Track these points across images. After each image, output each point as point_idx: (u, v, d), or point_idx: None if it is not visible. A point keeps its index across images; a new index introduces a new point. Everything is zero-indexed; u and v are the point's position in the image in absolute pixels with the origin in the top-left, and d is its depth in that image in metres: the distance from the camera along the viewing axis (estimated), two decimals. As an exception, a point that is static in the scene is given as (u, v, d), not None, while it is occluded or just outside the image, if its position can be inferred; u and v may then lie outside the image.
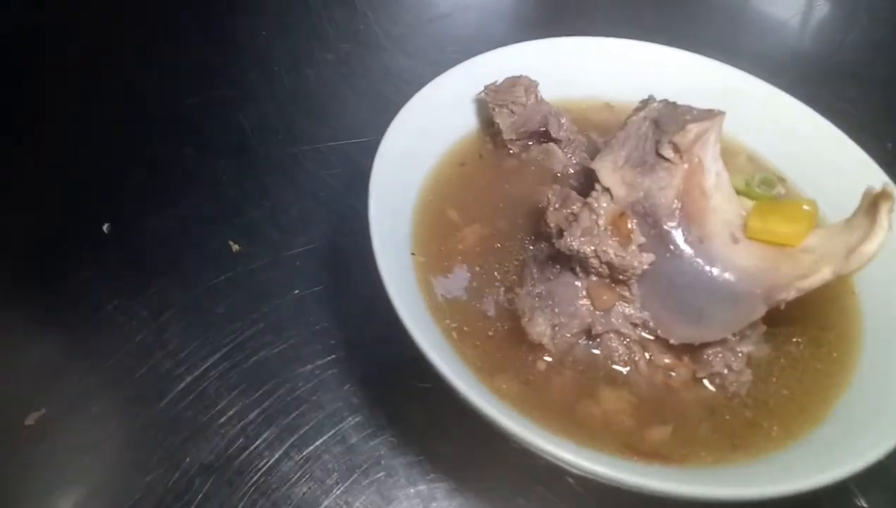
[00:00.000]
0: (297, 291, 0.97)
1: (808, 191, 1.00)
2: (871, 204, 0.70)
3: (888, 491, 0.86)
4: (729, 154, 1.04)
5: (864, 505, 0.85)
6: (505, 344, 0.81)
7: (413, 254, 0.86)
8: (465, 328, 0.81)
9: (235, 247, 1.01)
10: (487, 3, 1.53)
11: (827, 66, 1.50)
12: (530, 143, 1.01)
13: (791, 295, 0.73)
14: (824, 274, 0.71)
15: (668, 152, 0.79)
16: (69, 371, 0.88)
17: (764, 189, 0.88)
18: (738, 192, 0.85)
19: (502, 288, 0.86)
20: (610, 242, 0.78)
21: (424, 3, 1.49)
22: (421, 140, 0.95)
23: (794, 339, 0.84)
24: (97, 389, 0.87)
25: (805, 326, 0.85)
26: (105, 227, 1.03)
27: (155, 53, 1.32)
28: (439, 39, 1.41)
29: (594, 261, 0.79)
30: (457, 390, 0.68)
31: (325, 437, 0.86)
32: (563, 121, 0.96)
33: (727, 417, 0.77)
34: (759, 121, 1.05)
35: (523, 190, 0.97)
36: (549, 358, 0.80)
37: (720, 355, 0.79)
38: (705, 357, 0.80)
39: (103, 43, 1.33)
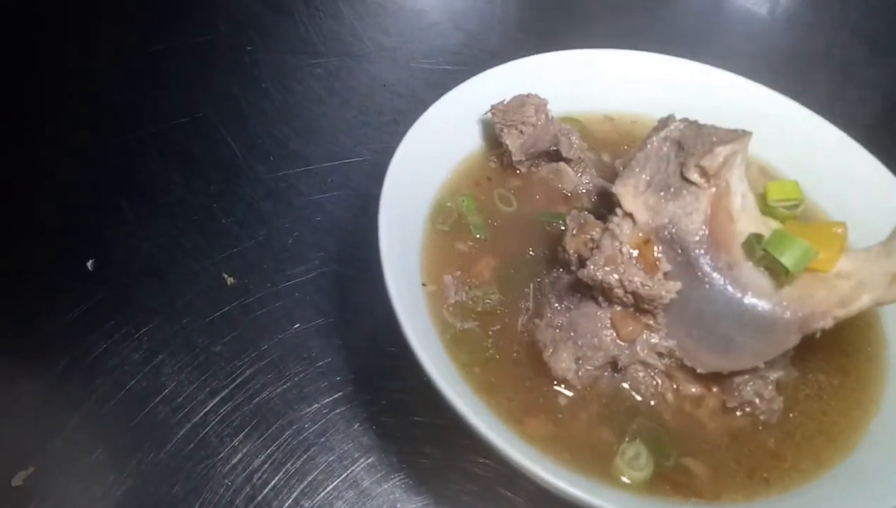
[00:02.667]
0: (297, 325, 0.92)
1: (823, 204, 0.98)
2: (911, 229, 0.67)
3: None
4: (742, 166, 1.02)
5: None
6: (527, 379, 0.77)
7: (424, 284, 0.82)
8: (482, 364, 0.77)
9: (230, 280, 0.96)
10: (478, 10, 1.49)
11: (822, 67, 1.49)
12: (539, 163, 0.97)
13: (829, 323, 0.70)
14: (863, 302, 0.69)
15: (694, 176, 0.75)
16: (58, 423, 0.82)
17: (788, 208, 0.85)
18: (763, 213, 0.82)
19: (519, 319, 0.82)
20: (635, 271, 0.74)
21: (414, 12, 1.44)
22: (427, 165, 0.90)
23: (821, 368, 0.81)
24: (89, 442, 0.81)
25: (830, 352, 0.82)
26: (89, 264, 0.96)
27: (136, 73, 1.25)
28: (431, 49, 1.36)
29: (619, 291, 0.75)
30: (488, 441, 0.63)
31: (336, 482, 0.81)
32: (573, 139, 0.92)
33: (758, 449, 0.75)
34: (768, 131, 1.02)
35: (534, 212, 0.93)
36: (570, 393, 0.77)
37: (750, 383, 0.76)
38: (735, 385, 0.77)
39: (81, 62, 1.25)
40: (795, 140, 1.01)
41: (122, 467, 0.79)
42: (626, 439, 0.73)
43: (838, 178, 0.97)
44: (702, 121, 0.80)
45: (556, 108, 1.01)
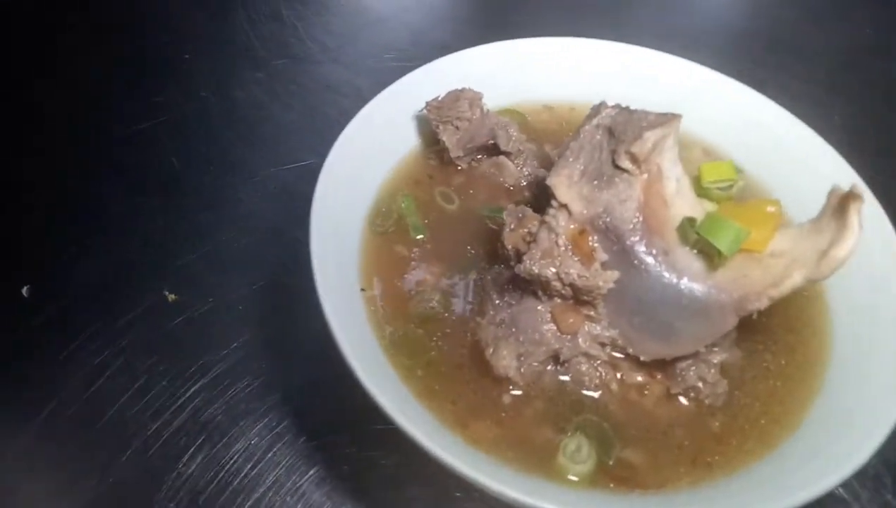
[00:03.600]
0: (242, 338, 0.90)
1: (767, 183, 0.97)
2: (840, 205, 0.66)
3: (866, 479, 0.85)
4: (684, 148, 1.00)
5: (844, 496, 0.84)
6: (471, 381, 0.76)
7: (363, 289, 0.80)
8: (424, 367, 0.76)
9: (171, 297, 0.93)
10: (424, 5, 1.47)
11: (767, 41, 1.48)
12: (479, 157, 0.95)
13: (763, 303, 0.69)
14: (795, 281, 0.68)
15: (625, 163, 0.74)
16: (-7, 456, 0.80)
17: (722, 189, 0.84)
18: (698, 194, 0.81)
19: (462, 320, 0.81)
20: (572, 262, 0.73)
21: (358, 9, 1.42)
22: (364, 166, 0.89)
23: (767, 347, 0.81)
24: (28, 472, 0.79)
25: (777, 331, 0.82)
26: (24, 290, 0.94)
27: (71, 88, 1.21)
28: (376, 47, 1.34)
29: (556, 284, 0.74)
30: (423, 447, 0.62)
31: (284, 497, 0.80)
32: (511, 132, 0.91)
33: (702, 434, 0.74)
34: (712, 112, 1.02)
35: (476, 209, 0.91)
36: (516, 391, 0.75)
37: (693, 368, 0.76)
38: (678, 371, 0.76)
39: (10, 79, 1.22)
40: (738, 119, 1.01)
41: (63, 497, 0.78)
42: (568, 433, 0.72)
43: (781, 155, 0.96)
44: (644, 105, 0.79)
45: (496, 101, 1.00)
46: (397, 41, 1.35)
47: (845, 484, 0.84)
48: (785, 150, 0.96)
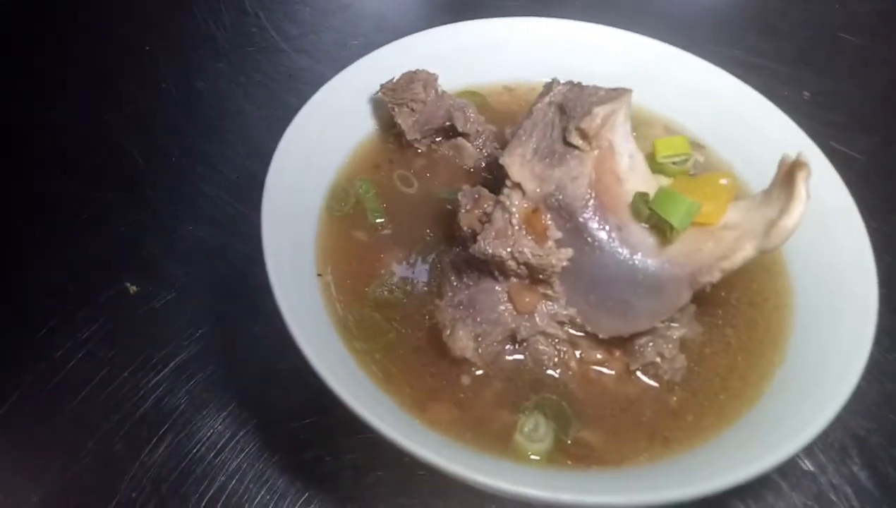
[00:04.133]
0: (203, 328, 0.90)
1: (728, 157, 0.97)
2: (787, 174, 0.66)
3: (833, 451, 0.85)
4: (645, 125, 1.01)
5: (811, 468, 0.84)
6: (429, 363, 0.76)
7: (320, 274, 0.80)
8: (383, 351, 0.76)
9: (133, 289, 0.93)
10: (387, -10, 1.46)
11: (740, 19, 1.48)
12: (438, 139, 0.95)
13: (715, 276, 0.69)
14: (746, 252, 0.68)
15: (575, 140, 0.74)
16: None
17: (678, 164, 0.84)
18: (654, 170, 0.81)
19: (420, 302, 0.80)
20: (525, 241, 0.73)
21: (321, -3, 1.40)
22: (320, 150, 0.88)
23: (728, 322, 0.81)
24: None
25: (738, 306, 0.82)
26: (-17, 288, 0.93)
27: (29, 83, 1.20)
28: (340, 34, 1.33)
29: (511, 263, 0.74)
30: (379, 431, 0.62)
31: (248, 484, 0.79)
32: (468, 113, 0.91)
33: (660, 409, 0.74)
34: (674, 89, 1.02)
35: (435, 190, 0.91)
36: (477, 372, 0.75)
37: (651, 344, 0.76)
38: (637, 348, 0.76)
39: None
40: (699, 94, 1.00)
41: (23, 491, 0.77)
42: (526, 412, 0.72)
43: (741, 129, 0.97)
44: (605, 82, 0.79)
45: (456, 82, 1.00)
46: (361, 28, 1.34)
47: (811, 457, 0.85)
48: (745, 124, 0.96)
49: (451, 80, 0.97)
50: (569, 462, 0.69)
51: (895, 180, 1.16)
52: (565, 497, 0.60)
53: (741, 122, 0.97)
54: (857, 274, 0.78)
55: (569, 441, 0.70)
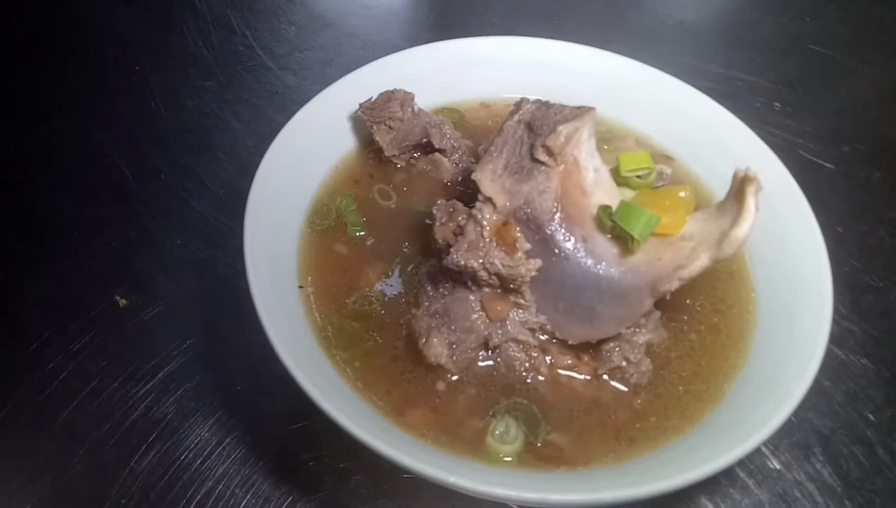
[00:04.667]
0: (191, 339, 0.93)
1: (696, 169, 1.01)
2: (739, 188, 0.70)
3: (798, 449, 0.89)
4: (617, 138, 1.05)
5: (777, 466, 0.88)
6: (406, 371, 0.79)
7: (301, 286, 0.84)
8: (362, 359, 0.79)
9: (122, 302, 0.96)
10: (370, 10, 1.50)
11: (713, 32, 1.53)
12: (416, 155, 0.99)
13: (674, 285, 0.73)
14: (702, 262, 0.72)
15: (542, 156, 0.78)
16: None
17: (642, 178, 0.88)
18: (619, 183, 0.85)
19: (398, 312, 0.84)
20: (496, 253, 0.77)
21: (307, 16, 1.44)
22: (302, 166, 0.92)
23: (693, 327, 0.85)
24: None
25: (704, 313, 0.86)
26: (-24, 301, 0.97)
27: (21, 102, 1.24)
28: (326, 52, 1.37)
29: (483, 274, 0.77)
30: (356, 437, 0.65)
31: (234, 489, 0.83)
32: (445, 129, 0.94)
33: (625, 412, 0.77)
34: (645, 104, 1.06)
35: (413, 204, 0.95)
36: (453, 378, 0.79)
37: (618, 349, 0.79)
38: (604, 353, 0.80)
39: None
40: (668, 110, 1.04)
41: (15, 498, 0.80)
42: (497, 416, 0.75)
43: (708, 142, 1.00)
44: (576, 99, 0.83)
45: (435, 99, 1.04)
46: (345, 46, 1.38)
47: (777, 455, 0.88)
48: (711, 138, 1.00)
49: (429, 98, 1.01)
50: (539, 464, 0.72)
51: (863, 188, 1.20)
52: (532, 495, 0.63)
53: (708, 136, 1.01)
54: (813, 279, 0.81)
55: (538, 444, 0.74)
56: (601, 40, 1.09)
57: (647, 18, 1.54)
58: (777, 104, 1.35)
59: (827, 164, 1.24)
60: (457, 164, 0.97)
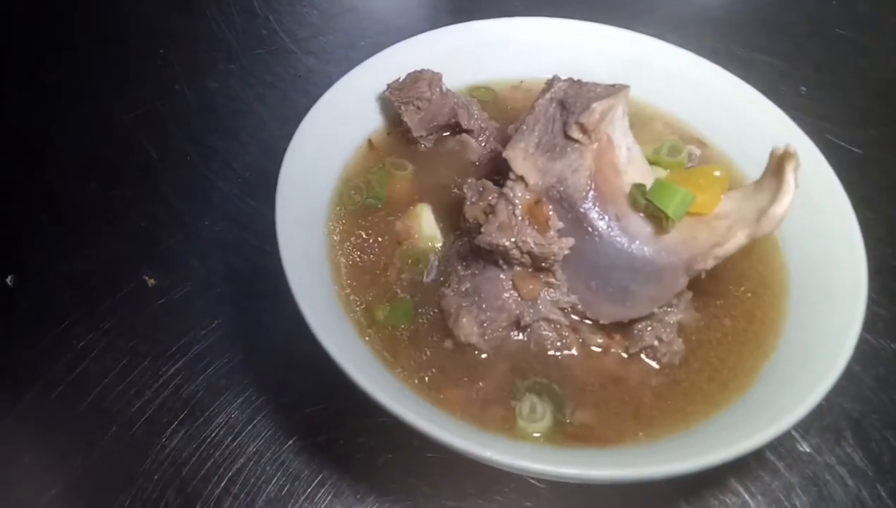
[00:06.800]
0: (220, 319, 0.94)
1: (727, 151, 1.00)
2: (777, 164, 0.69)
3: (828, 433, 0.88)
4: (644, 121, 1.04)
5: (807, 450, 0.87)
6: (437, 349, 0.79)
7: (330, 264, 0.83)
8: (394, 337, 0.79)
9: (151, 282, 0.97)
10: (393, -7, 1.49)
11: (737, 16, 1.51)
12: (445, 135, 0.98)
13: (710, 263, 0.73)
14: (739, 240, 0.71)
15: (575, 133, 0.77)
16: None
17: (672, 156, 0.87)
18: (650, 162, 0.84)
19: (430, 289, 0.84)
20: (528, 232, 0.76)
21: (329, 0, 1.44)
22: (330, 146, 0.92)
23: (728, 313, 0.84)
24: (17, 451, 0.82)
25: (737, 294, 0.85)
26: (9, 279, 0.97)
27: (47, 87, 1.24)
28: (348, 36, 1.36)
29: (515, 253, 0.77)
30: (397, 415, 0.65)
31: (265, 466, 0.83)
32: (472, 110, 0.94)
33: (659, 391, 0.77)
34: (673, 86, 1.05)
35: (443, 184, 0.94)
36: (482, 356, 0.79)
37: (650, 328, 0.79)
38: (636, 332, 0.79)
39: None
40: (698, 91, 1.03)
41: (50, 474, 0.81)
42: (527, 394, 0.75)
43: (738, 124, 0.99)
44: (604, 79, 0.82)
45: (463, 80, 1.03)
46: (368, 30, 1.38)
47: (807, 439, 0.88)
48: (741, 119, 0.99)
49: (457, 78, 1.00)
50: (568, 441, 0.72)
51: (891, 172, 1.19)
52: (570, 470, 0.63)
53: (737, 117, 1.00)
54: (848, 263, 0.80)
55: (568, 421, 0.74)
56: (624, 24, 1.07)
57: (671, 2, 1.53)
58: (803, 88, 1.34)
59: (854, 148, 1.23)
60: (483, 145, 0.97)
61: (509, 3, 1.45)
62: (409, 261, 0.85)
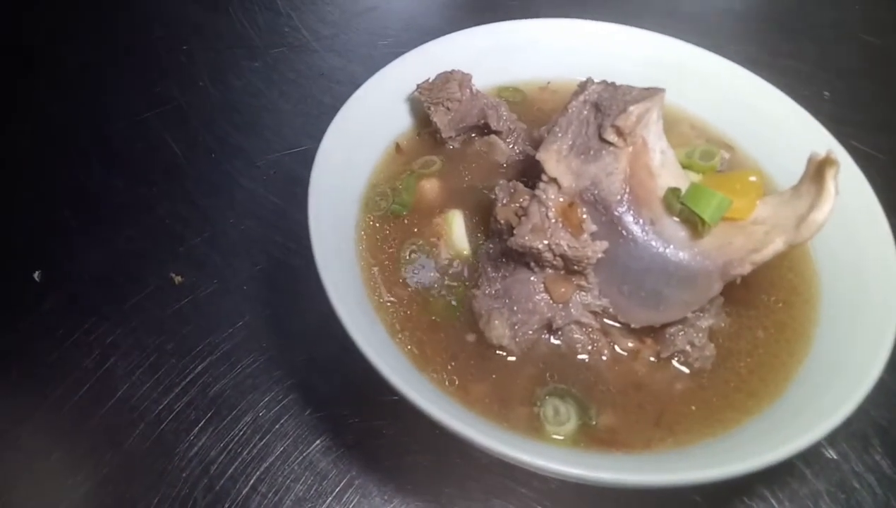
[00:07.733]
0: (247, 317, 0.93)
1: (754, 155, 1.00)
2: (817, 170, 0.69)
3: (856, 440, 0.88)
4: (671, 124, 1.03)
5: (834, 456, 0.87)
6: (466, 349, 0.79)
7: (361, 265, 0.83)
8: (423, 337, 0.79)
9: (178, 279, 0.97)
10: (415, -10, 1.49)
11: (761, 20, 1.51)
12: (473, 136, 0.98)
13: (746, 269, 0.72)
14: (777, 246, 0.71)
15: (611, 136, 0.77)
16: (11, 435, 0.83)
17: (705, 160, 0.87)
18: (683, 166, 0.84)
19: (460, 290, 0.84)
20: (562, 234, 0.76)
21: (351, -1, 1.44)
22: (359, 147, 0.91)
23: (760, 323, 0.83)
24: (45, 448, 0.82)
25: (769, 304, 0.84)
26: (36, 275, 0.97)
27: (72, 83, 1.24)
28: (370, 34, 1.36)
29: (548, 255, 0.77)
30: (428, 414, 0.65)
31: (292, 465, 0.83)
32: (501, 111, 0.94)
33: (690, 396, 0.76)
34: (700, 89, 1.04)
35: (470, 186, 0.94)
36: (511, 359, 0.78)
37: (682, 333, 0.79)
38: (668, 336, 0.79)
39: (15, 75, 1.25)
40: (726, 95, 1.03)
41: (78, 470, 0.81)
42: (556, 398, 0.75)
43: (767, 128, 0.99)
44: (635, 82, 0.82)
45: (491, 81, 1.03)
46: (390, 28, 1.38)
47: (835, 446, 0.87)
48: (770, 123, 0.98)
49: (485, 79, 1.00)
50: (595, 445, 0.72)
51: (916, 178, 1.18)
52: (606, 476, 0.63)
53: (766, 121, 0.99)
54: (880, 270, 0.80)
55: (593, 423, 0.73)
56: (647, 26, 1.07)
57: (694, 4, 1.52)
58: (827, 93, 1.33)
59: (879, 154, 1.22)
60: (512, 146, 0.96)
61: (533, 3, 1.44)
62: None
